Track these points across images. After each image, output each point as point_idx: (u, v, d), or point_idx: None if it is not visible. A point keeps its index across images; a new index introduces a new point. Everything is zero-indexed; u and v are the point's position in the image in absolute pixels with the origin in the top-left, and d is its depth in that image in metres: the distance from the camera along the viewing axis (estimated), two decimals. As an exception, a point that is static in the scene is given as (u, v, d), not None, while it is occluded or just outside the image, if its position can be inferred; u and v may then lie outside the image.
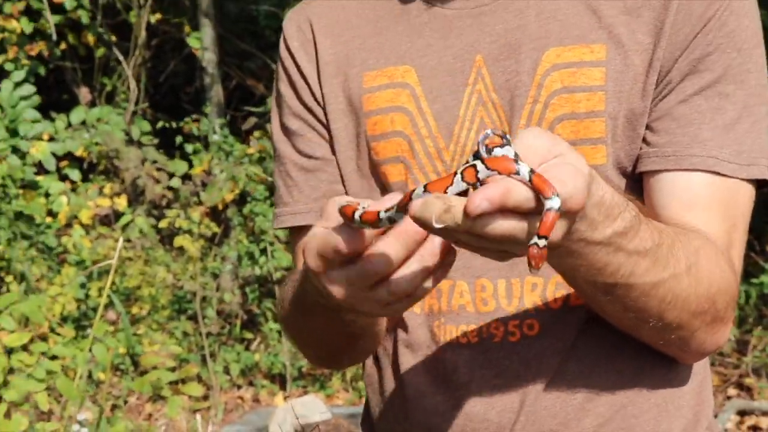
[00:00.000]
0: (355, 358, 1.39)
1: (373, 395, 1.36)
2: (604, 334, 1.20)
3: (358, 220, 0.88)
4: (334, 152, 1.33)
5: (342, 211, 0.89)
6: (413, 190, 0.83)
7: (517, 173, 0.79)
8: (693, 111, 1.14)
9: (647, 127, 1.19)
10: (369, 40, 1.30)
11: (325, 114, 1.33)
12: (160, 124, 7.63)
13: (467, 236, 0.78)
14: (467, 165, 0.83)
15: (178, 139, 7.54)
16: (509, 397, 1.21)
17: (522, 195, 0.75)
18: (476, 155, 0.86)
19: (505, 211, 0.76)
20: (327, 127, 1.33)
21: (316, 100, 1.33)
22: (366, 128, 1.27)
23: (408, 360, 1.28)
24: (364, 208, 0.89)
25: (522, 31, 1.21)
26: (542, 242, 0.83)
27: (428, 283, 0.90)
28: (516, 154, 0.82)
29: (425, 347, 1.26)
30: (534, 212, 0.78)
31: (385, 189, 1.27)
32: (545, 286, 1.20)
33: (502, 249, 0.82)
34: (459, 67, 1.24)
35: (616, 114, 1.17)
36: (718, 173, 1.14)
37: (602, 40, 1.19)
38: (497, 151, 0.84)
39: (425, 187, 0.83)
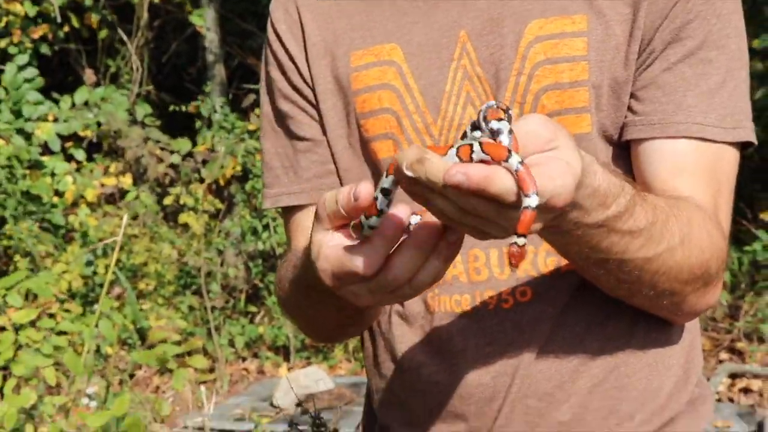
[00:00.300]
0: (354, 333, 1.40)
1: (371, 367, 1.36)
2: (595, 299, 1.20)
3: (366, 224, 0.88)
4: (324, 132, 1.33)
5: (353, 226, 0.89)
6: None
7: (507, 161, 0.79)
8: (677, 78, 1.15)
9: (633, 96, 1.19)
10: (355, 19, 1.29)
11: (315, 95, 1.33)
12: (171, 108, 7.62)
13: (442, 202, 0.79)
14: (464, 143, 0.83)
15: (185, 116, 7.57)
16: (504, 363, 1.21)
17: (504, 186, 0.75)
18: (474, 125, 0.88)
19: (484, 195, 0.76)
20: (317, 108, 1.33)
21: (305, 81, 1.33)
22: (355, 106, 1.27)
23: (403, 331, 1.28)
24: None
25: (504, 5, 1.21)
26: (521, 240, 0.84)
27: (444, 269, 0.90)
28: (511, 132, 0.83)
29: (420, 318, 1.26)
30: (512, 206, 0.77)
31: (375, 165, 1.28)
32: (537, 254, 1.21)
33: (479, 228, 0.82)
34: (444, 43, 1.24)
35: (599, 83, 1.18)
36: (703, 139, 1.15)
37: (583, 11, 1.18)
38: (494, 124, 0.84)
39: None
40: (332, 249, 0.89)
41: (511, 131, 0.83)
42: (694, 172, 1.15)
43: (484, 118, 0.86)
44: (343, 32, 1.29)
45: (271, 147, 1.39)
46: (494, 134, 0.84)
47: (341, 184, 1.31)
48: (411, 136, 1.24)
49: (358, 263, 0.86)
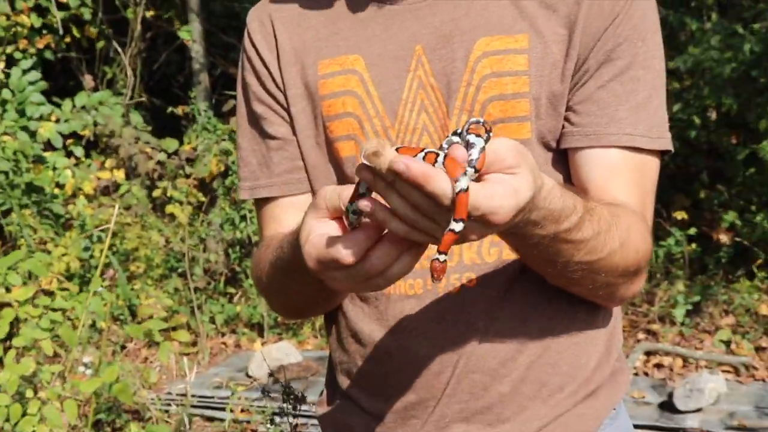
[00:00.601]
0: (323, 311, 1.37)
1: (334, 342, 1.35)
2: (533, 287, 1.20)
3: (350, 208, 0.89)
4: (294, 132, 1.31)
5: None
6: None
7: (457, 180, 0.80)
8: (610, 95, 1.15)
9: (570, 109, 1.19)
10: (323, 31, 1.28)
11: (286, 98, 1.31)
12: (168, 111, 7.59)
13: (395, 196, 0.81)
14: (433, 150, 0.83)
15: (172, 118, 7.53)
16: (451, 341, 1.20)
17: (440, 188, 0.76)
18: (456, 133, 0.88)
19: (422, 190, 0.77)
20: (287, 110, 1.31)
21: (277, 86, 1.32)
22: (322, 110, 1.26)
23: (362, 310, 1.27)
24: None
25: (455, 23, 1.20)
26: (443, 257, 0.87)
27: (413, 264, 0.91)
28: (483, 150, 0.83)
29: (375, 299, 1.25)
30: (448, 209, 0.79)
31: (338, 163, 1.27)
32: (481, 244, 1.20)
33: (426, 228, 0.82)
34: (402, 56, 1.22)
35: (538, 95, 1.17)
36: (632, 148, 1.16)
37: (524, 31, 1.18)
38: (471, 138, 0.84)
39: (397, 149, 0.82)
40: (319, 237, 0.90)
41: (483, 149, 0.83)
42: (625, 177, 1.16)
43: (467, 130, 0.87)
44: (312, 43, 1.28)
45: (247, 145, 1.38)
46: (468, 146, 0.84)
47: (309, 180, 1.32)
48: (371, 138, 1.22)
49: (340, 252, 0.87)
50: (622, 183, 1.15)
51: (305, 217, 0.95)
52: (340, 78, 1.25)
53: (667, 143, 1.19)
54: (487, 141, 0.85)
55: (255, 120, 1.36)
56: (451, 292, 1.20)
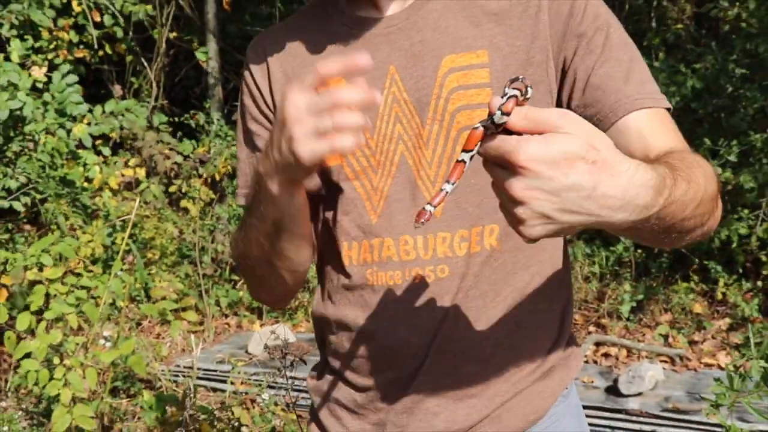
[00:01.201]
0: (288, 286, 1.30)
1: (323, 326, 1.34)
2: (499, 277, 1.21)
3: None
4: None
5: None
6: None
7: (476, 128, 0.84)
8: (605, 78, 1.12)
9: (580, 106, 1.15)
10: (308, 58, 1.27)
11: (270, 120, 1.31)
12: (184, 118, 7.58)
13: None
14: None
15: (189, 125, 7.54)
16: (426, 326, 1.19)
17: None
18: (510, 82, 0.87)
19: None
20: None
21: (268, 107, 1.31)
22: None
23: (348, 299, 1.27)
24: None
25: (423, 44, 1.20)
26: (430, 208, 0.89)
27: (353, 137, 0.89)
28: (512, 97, 0.81)
29: (360, 289, 1.24)
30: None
31: (324, 170, 1.24)
32: (452, 239, 1.19)
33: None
34: (377, 75, 1.21)
35: None
36: (650, 107, 1.11)
37: (484, 47, 1.17)
38: (509, 91, 0.83)
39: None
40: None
41: (512, 97, 0.82)
42: (656, 131, 1.11)
43: (509, 86, 0.86)
44: (300, 68, 1.27)
45: (244, 157, 1.36)
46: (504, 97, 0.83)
47: None
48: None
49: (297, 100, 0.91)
50: (658, 136, 1.10)
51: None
52: None
53: (667, 103, 1.15)
54: (523, 92, 0.85)
55: (250, 136, 1.35)
56: (426, 282, 1.19)
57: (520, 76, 0.89)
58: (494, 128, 0.83)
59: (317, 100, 0.91)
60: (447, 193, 0.90)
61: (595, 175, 0.77)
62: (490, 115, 0.82)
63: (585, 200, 0.78)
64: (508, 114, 0.81)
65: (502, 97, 0.82)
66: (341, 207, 1.24)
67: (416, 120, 1.19)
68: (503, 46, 1.17)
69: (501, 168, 0.80)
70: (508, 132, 0.82)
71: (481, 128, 0.85)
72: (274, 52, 1.30)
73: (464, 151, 0.88)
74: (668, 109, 1.15)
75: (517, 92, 0.83)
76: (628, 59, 1.15)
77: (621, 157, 0.80)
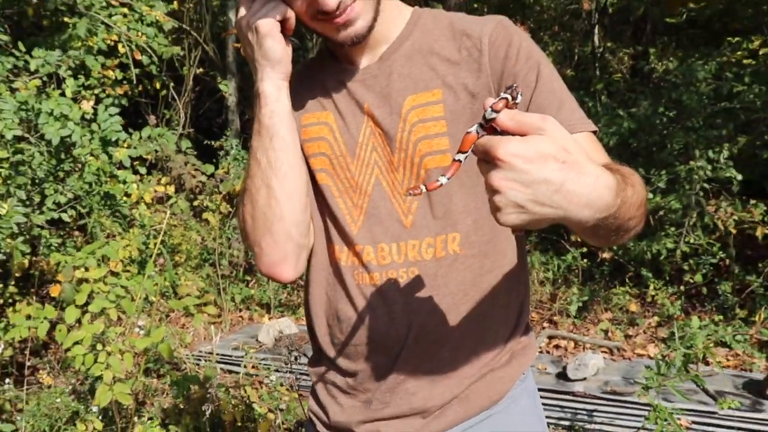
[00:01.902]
0: (284, 230, 1.21)
1: (316, 319, 1.32)
2: (465, 277, 1.20)
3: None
4: None
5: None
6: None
7: (468, 133, 0.84)
8: (541, 109, 1.09)
9: None
10: (306, 95, 1.28)
11: None
12: (214, 143, 7.57)
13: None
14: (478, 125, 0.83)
15: (212, 149, 7.53)
16: (404, 319, 1.19)
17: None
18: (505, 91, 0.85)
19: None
20: None
21: None
22: (305, 150, 1.25)
23: (338, 296, 1.26)
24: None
25: (390, 87, 1.20)
26: (423, 188, 0.91)
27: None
28: (502, 99, 0.81)
29: (349, 287, 1.23)
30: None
31: (318, 187, 1.25)
32: (420, 246, 1.18)
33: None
34: (356, 111, 1.22)
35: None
36: (582, 131, 1.10)
37: (438, 87, 1.17)
38: (503, 94, 0.83)
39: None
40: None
41: (502, 98, 0.81)
42: (592, 150, 1.08)
43: (504, 91, 0.85)
44: (300, 103, 1.27)
45: None
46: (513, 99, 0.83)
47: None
48: (338, 170, 1.23)
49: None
50: (592, 153, 1.05)
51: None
52: (316, 128, 1.25)
53: (594, 126, 1.14)
54: (513, 97, 0.84)
55: None
56: (401, 281, 1.19)
57: (514, 84, 0.88)
58: (485, 123, 0.81)
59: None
60: (442, 184, 0.91)
61: (564, 172, 0.76)
62: (483, 111, 0.81)
63: (554, 194, 0.77)
64: (497, 111, 0.80)
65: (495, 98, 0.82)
66: (330, 218, 1.25)
67: (387, 149, 1.19)
68: (453, 84, 1.17)
69: (486, 162, 0.79)
70: (497, 132, 0.81)
71: (474, 132, 0.84)
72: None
73: (460, 152, 0.88)
74: (594, 132, 1.14)
75: (508, 96, 0.83)
76: (558, 91, 1.14)
77: (588, 162, 0.79)
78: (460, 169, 1.11)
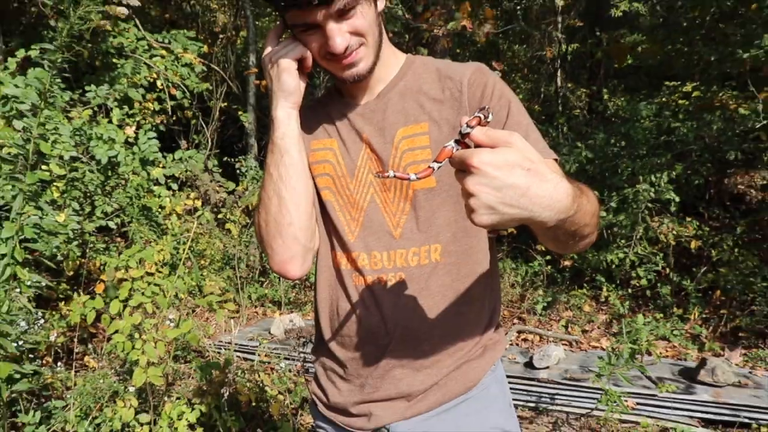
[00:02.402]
0: (293, 233, 1.21)
1: (321, 313, 1.32)
2: (444, 281, 1.19)
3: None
4: None
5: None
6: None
7: (446, 146, 0.83)
8: None
9: None
10: (314, 125, 1.28)
11: None
12: (236, 162, 7.58)
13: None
14: (454, 141, 0.84)
15: (233, 169, 7.53)
16: (391, 316, 1.19)
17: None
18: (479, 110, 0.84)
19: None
20: None
21: None
22: (312, 170, 1.25)
23: (338, 295, 1.26)
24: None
25: (385, 120, 1.20)
26: (391, 174, 0.92)
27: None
28: (474, 116, 0.81)
29: (346, 287, 1.24)
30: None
31: (323, 203, 1.26)
32: (407, 255, 1.18)
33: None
34: (357, 141, 1.23)
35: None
36: (546, 158, 1.00)
37: (425, 120, 1.18)
38: (476, 113, 0.83)
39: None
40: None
41: (475, 116, 0.82)
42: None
43: (478, 111, 0.85)
44: (309, 130, 1.28)
45: None
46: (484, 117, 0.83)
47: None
48: (340, 189, 1.23)
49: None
50: None
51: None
52: (322, 152, 1.26)
53: (555, 155, 1.13)
54: (485, 116, 0.84)
55: None
56: (390, 284, 1.19)
57: (486, 106, 0.88)
58: (460, 138, 0.81)
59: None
60: (411, 180, 0.92)
61: (529, 178, 0.76)
62: (460, 128, 0.81)
63: (521, 197, 0.76)
64: (472, 127, 0.79)
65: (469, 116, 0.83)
66: (332, 229, 1.25)
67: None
68: (438, 119, 1.18)
69: (462, 171, 0.79)
70: (469, 147, 0.82)
71: (450, 147, 0.84)
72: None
73: (435, 161, 0.88)
74: (556, 160, 1.13)
75: (481, 115, 0.83)
76: (525, 125, 1.14)
77: (549, 171, 0.79)
78: (442, 190, 1.14)
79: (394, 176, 0.94)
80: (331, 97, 1.32)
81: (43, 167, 4.17)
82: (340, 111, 1.27)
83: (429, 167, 0.90)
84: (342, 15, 1.08)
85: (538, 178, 0.77)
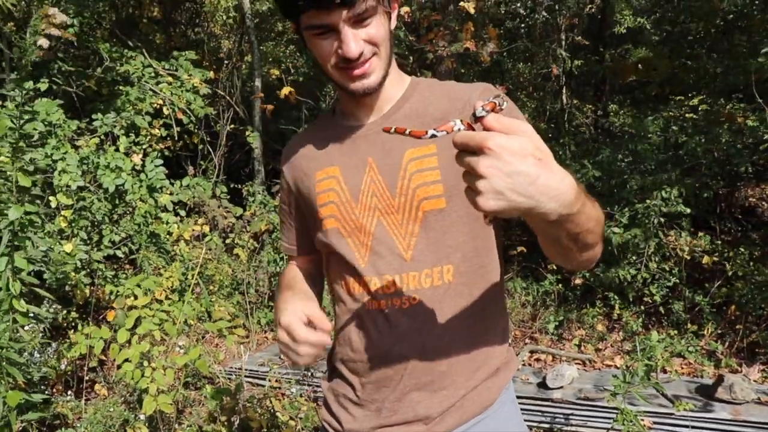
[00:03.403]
0: None
1: (337, 338, 1.32)
2: (457, 303, 1.18)
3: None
4: (303, 217, 1.36)
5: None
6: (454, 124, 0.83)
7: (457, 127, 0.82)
8: None
9: None
10: (316, 153, 1.29)
11: (295, 199, 1.36)
12: (244, 187, 7.66)
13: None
14: (460, 122, 0.83)
15: (241, 194, 7.59)
16: (406, 340, 1.18)
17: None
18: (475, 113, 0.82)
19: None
20: (298, 205, 1.36)
21: (291, 192, 1.36)
22: (317, 200, 1.27)
23: (352, 321, 1.26)
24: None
25: (392, 142, 1.20)
26: (431, 133, 0.89)
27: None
28: (487, 101, 0.80)
29: (359, 313, 1.24)
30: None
31: (326, 232, 1.26)
32: (420, 276, 1.18)
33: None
34: (360, 165, 1.22)
35: (447, 179, 1.16)
36: None
37: (433, 142, 1.17)
38: (490, 98, 0.82)
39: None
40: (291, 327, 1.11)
41: (488, 101, 0.80)
42: None
43: (500, 102, 0.84)
44: (310, 162, 1.29)
45: (283, 219, 1.44)
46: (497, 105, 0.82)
47: (312, 241, 1.36)
48: (344, 214, 1.23)
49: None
50: None
51: (291, 315, 1.12)
52: (326, 181, 1.26)
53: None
54: (499, 104, 0.83)
55: (282, 210, 1.44)
56: (404, 307, 1.18)
57: (502, 94, 0.87)
58: (473, 120, 0.80)
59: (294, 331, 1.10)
60: (406, 134, 0.92)
61: (539, 168, 0.76)
62: (474, 110, 0.80)
63: (529, 185, 0.76)
64: (487, 111, 0.79)
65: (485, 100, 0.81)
66: (342, 254, 1.24)
67: (387, 194, 1.19)
68: (442, 139, 1.18)
69: (471, 153, 0.78)
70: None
71: (454, 123, 0.83)
72: (292, 155, 1.36)
73: (435, 129, 0.86)
74: None
75: (496, 101, 0.82)
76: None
77: (556, 164, 0.80)
78: (452, 210, 1.15)
79: (395, 131, 0.92)
80: (328, 120, 1.32)
81: (51, 198, 4.23)
82: (342, 134, 1.27)
83: (424, 131, 0.88)
84: (359, 21, 1.08)
85: (548, 169, 0.77)
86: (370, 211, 1.21)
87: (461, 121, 0.83)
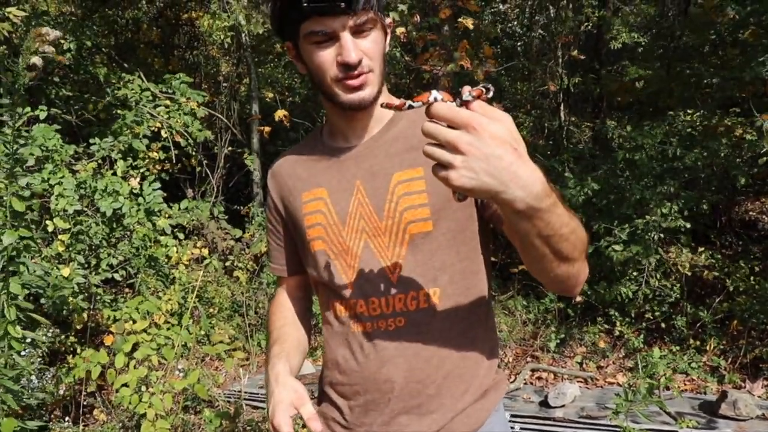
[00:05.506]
0: None
1: (325, 362, 1.32)
2: (445, 325, 1.19)
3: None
4: (291, 237, 1.36)
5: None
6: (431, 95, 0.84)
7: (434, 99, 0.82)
8: None
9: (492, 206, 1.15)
10: (303, 174, 1.29)
11: (283, 218, 1.36)
12: (243, 209, 7.66)
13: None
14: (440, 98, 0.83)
15: (240, 216, 7.60)
16: (393, 362, 1.18)
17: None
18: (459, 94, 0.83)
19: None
20: (285, 226, 1.36)
21: (279, 214, 1.36)
22: (304, 222, 1.27)
23: (338, 343, 1.26)
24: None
25: (379, 165, 1.20)
26: (417, 104, 0.88)
27: None
28: (475, 87, 0.82)
29: (346, 335, 1.24)
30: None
31: (313, 254, 1.26)
32: (406, 299, 1.18)
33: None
34: (348, 187, 1.22)
35: (434, 203, 1.16)
36: None
37: (420, 165, 1.17)
38: (475, 90, 0.83)
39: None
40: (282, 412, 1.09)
41: (475, 87, 0.82)
42: None
43: (486, 89, 0.85)
44: (297, 182, 1.30)
45: (270, 241, 1.44)
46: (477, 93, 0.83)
47: (300, 262, 1.36)
48: (331, 237, 1.23)
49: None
50: None
51: (281, 414, 1.08)
52: (313, 203, 1.26)
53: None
54: (487, 90, 0.85)
55: (270, 231, 1.43)
56: (390, 330, 1.19)
57: (489, 83, 0.89)
58: (459, 104, 0.82)
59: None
60: (383, 106, 0.92)
61: (514, 156, 0.80)
62: (460, 94, 0.82)
63: (502, 170, 0.80)
64: (473, 97, 0.82)
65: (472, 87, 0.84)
66: (328, 277, 1.25)
67: (374, 217, 1.19)
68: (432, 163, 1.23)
69: (452, 128, 0.81)
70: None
71: (434, 97, 0.84)
72: (278, 174, 1.36)
73: (412, 100, 0.87)
74: None
75: (483, 88, 0.84)
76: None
77: (528, 157, 0.83)
78: (439, 233, 1.16)
79: (385, 106, 0.93)
80: (316, 140, 1.33)
81: (48, 221, 4.26)
82: (329, 156, 1.27)
83: (404, 102, 0.90)
84: (359, 32, 1.11)
85: (521, 159, 0.81)
86: (357, 233, 1.21)
87: (439, 91, 0.86)
